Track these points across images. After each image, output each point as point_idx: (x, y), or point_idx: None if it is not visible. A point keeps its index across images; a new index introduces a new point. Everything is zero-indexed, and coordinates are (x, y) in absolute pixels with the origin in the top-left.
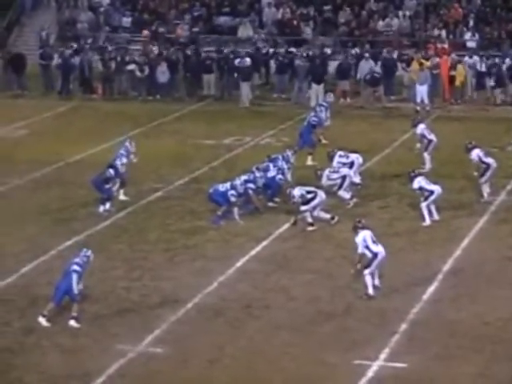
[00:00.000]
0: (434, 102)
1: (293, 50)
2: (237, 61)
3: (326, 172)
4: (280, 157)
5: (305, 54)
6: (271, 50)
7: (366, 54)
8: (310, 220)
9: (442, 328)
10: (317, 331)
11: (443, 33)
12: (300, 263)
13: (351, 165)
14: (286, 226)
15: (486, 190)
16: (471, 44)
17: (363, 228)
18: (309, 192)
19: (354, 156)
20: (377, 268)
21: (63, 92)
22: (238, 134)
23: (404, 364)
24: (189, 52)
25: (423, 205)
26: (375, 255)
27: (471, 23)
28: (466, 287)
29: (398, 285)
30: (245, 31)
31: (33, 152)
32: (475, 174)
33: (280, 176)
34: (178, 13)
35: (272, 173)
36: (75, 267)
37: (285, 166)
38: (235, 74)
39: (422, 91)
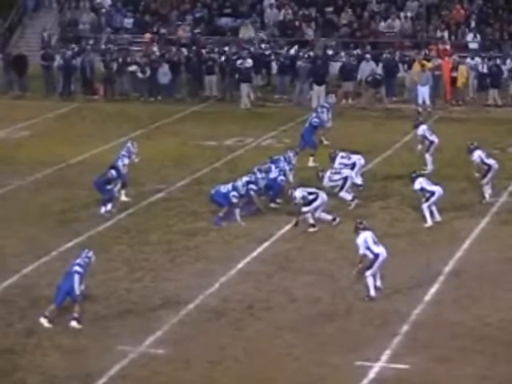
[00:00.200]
0: (436, 104)
1: (294, 50)
2: (238, 62)
3: (328, 173)
4: (282, 158)
5: (306, 56)
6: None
7: (368, 56)
8: (311, 221)
9: (443, 329)
10: (318, 332)
11: (445, 34)
12: (301, 264)
13: (353, 166)
14: (288, 227)
15: (487, 191)
16: (473, 45)
17: (364, 229)
18: (310, 193)
19: (355, 157)
20: (378, 269)
21: (65, 93)
22: (240, 135)
23: (406, 365)
24: (190, 53)
25: (424, 206)
26: (376, 256)
27: (473, 24)
28: (467, 288)
29: (399, 286)
30: (246, 32)
31: (34, 153)
32: (477, 175)
33: (282, 177)
34: (180, 14)
35: (274, 174)
36: (77, 268)
37: (286, 167)
38: (236, 75)
39: (423, 92)
